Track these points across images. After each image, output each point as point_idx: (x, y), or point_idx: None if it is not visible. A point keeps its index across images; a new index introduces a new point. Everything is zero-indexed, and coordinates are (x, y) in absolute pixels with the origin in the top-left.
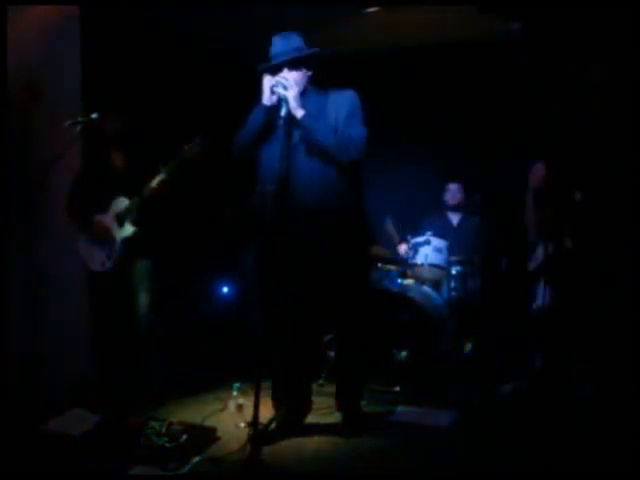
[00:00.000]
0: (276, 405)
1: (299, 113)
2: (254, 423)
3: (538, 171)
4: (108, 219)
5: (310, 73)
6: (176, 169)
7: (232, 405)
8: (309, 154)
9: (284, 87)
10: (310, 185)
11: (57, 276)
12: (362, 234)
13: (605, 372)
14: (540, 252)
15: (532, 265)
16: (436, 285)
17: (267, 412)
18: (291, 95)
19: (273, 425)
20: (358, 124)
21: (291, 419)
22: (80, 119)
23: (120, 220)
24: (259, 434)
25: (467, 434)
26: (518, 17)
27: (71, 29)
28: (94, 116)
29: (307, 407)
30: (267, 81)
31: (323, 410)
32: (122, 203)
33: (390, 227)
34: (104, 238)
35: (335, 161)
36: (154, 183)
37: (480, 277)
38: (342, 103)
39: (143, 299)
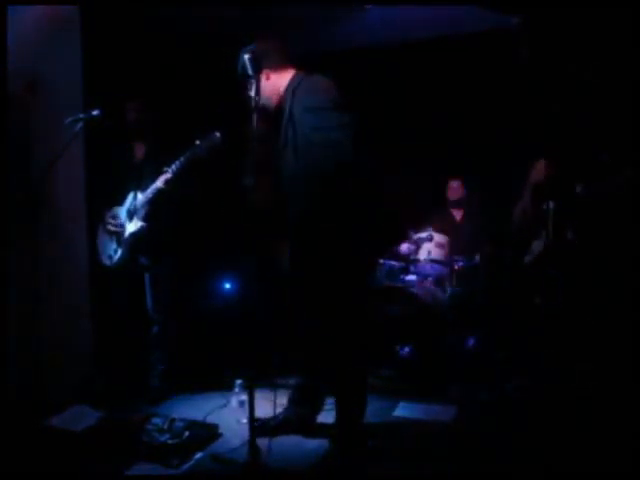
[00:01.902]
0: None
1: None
2: (250, 420)
3: (539, 168)
4: (121, 213)
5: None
6: (185, 166)
7: (234, 401)
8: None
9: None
10: (294, 180)
11: (59, 273)
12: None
13: (606, 371)
14: (536, 246)
15: (527, 259)
16: (438, 281)
17: (270, 408)
18: (259, 77)
19: (279, 419)
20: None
21: (306, 416)
22: (81, 116)
23: (130, 215)
24: (259, 430)
25: (469, 430)
26: (517, 12)
27: (71, 19)
28: (95, 113)
29: (321, 405)
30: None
31: (325, 406)
32: (134, 197)
33: None
34: (116, 232)
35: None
36: (160, 181)
37: (483, 273)
38: (309, 92)
39: (151, 300)
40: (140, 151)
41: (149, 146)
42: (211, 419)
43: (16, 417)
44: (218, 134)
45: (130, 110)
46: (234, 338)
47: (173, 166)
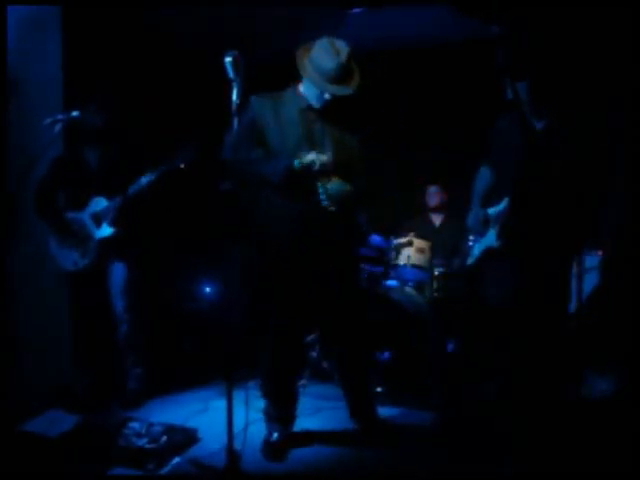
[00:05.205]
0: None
1: None
2: (228, 425)
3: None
4: (84, 218)
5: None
6: (165, 174)
7: (213, 405)
8: None
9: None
10: None
11: (36, 276)
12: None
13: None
14: (476, 249)
15: (470, 260)
16: (419, 286)
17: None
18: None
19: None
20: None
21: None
22: (60, 117)
23: (98, 220)
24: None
25: (449, 434)
26: (497, 20)
27: (52, 23)
28: (75, 114)
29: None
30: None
31: (307, 411)
32: (100, 203)
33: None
34: (78, 237)
35: None
36: (140, 184)
37: (465, 278)
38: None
39: (119, 301)
40: (93, 157)
41: (109, 152)
42: (190, 424)
43: None
44: (193, 145)
45: (89, 116)
46: (215, 341)
47: (155, 172)
